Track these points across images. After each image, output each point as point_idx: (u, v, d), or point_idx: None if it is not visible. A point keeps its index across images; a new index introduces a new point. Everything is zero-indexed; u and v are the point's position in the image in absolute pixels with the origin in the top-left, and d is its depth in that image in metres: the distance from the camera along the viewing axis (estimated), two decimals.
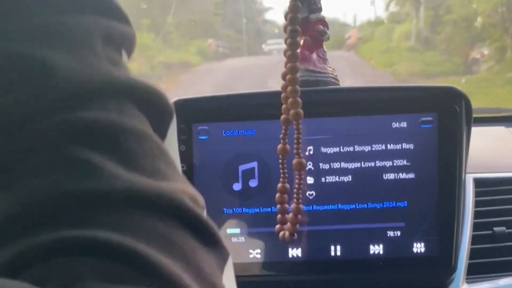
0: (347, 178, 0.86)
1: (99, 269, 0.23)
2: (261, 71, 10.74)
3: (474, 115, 0.87)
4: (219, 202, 0.87)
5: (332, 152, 0.86)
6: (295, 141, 0.60)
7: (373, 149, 0.86)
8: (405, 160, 0.86)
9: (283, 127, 0.61)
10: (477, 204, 0.96)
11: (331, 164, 0.86)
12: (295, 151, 0.60)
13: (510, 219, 0.96)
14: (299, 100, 0.59)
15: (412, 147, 0.86)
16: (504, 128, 1.30)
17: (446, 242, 0.87)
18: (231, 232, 0.88)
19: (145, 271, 0.23)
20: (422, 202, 0.86)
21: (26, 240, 0.23)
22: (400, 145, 0.86)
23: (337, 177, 0.86)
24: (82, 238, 0.23)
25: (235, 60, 16.41)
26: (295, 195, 0.61)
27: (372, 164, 0.86)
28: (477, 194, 0.97)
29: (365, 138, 0.86)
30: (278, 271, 0.89)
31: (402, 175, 0.86)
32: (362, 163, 0.86)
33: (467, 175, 0.96)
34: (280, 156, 0.63)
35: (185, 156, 0.86)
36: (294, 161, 0.60)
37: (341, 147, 0.86)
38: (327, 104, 0.86)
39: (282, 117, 0.61)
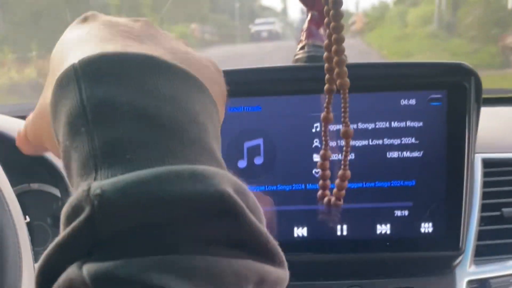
0: (355, 156, 0.85)
1: None
2: (251, 60, 9.81)
3: (483, 96, 0.86)
4: None
5: (338, 129, 0.84)
6: (342, 110, 0.60)
7: (381, 126, 0.84)
8: (413, 138, 0.84)
9: (328, 95, 0.61)
10: (485, 184, 0.94)
11: (338, 141, 0.84)
12: (342, 119, 0.60)
13: None
14: (346, 69, 0.58)
15: (420, 125, 0.84)
16: None
17: (454, 223, 0.85)
18: None
19: None
20: (430, 181, 0.85)
21: None
22: (408, 122, 0.84)
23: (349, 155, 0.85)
24: None
25: (223, 48, 13.98)
26: (342, 162, 0.61)
27: (380, 142, 0.84)
28: (485, 174, 0.95)
29: (373, 115, 0.84)
30: (283, 250, 0.87)
31: (410, 154, 0.85)
32: (370, 140, 0.84)
33: (476, 155, 0.94)
34: (323, 123, 0.63)
35: None
36: (342, 129, 0.60)
37: (350, 125, 0.84)
38: None
39: (326, 86, 0.60)
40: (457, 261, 0.88)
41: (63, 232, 0.27)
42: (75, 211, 0.27)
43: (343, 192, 0.62)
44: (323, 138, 0.63)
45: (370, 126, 0.84)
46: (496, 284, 0.87)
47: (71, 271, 0.26)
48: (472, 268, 0.89)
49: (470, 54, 8.38)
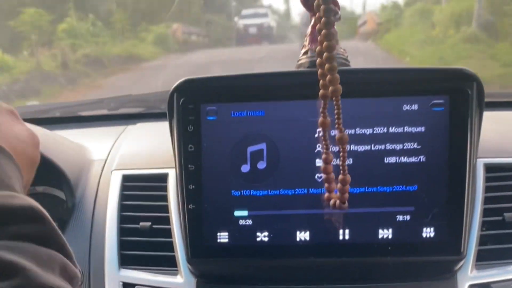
0: (357, 161, 0.85)
1: None
2: (239, 68, 7.56)
3: (485, 100, 0.86)
4: (226, 184, 0.87)
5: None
6: (336, 116, 0.61)
7: (383, 131, 0.85)
8: (415, 143, 0.85)
9: (322, 101, 0.62)
10: (487, 189, 0.95)
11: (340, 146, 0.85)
12: (336, 125, 0.61)
13: None
14: (337, 76, 0.59)
15: (422, 130, 0.84)
16: None
17: (455, 227, 0.86)
18: (239, 215, 0.87)
19: None
20: (432, 186, 0.85)
21: None
22: (410, 128, 0.84)
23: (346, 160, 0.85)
24: None
25: (209, 52, 10.80)
26: (341, 167, 0.62)
27: (382, 147, 0.85)
28: (487, 179, 0.96)
29: (375, 121, 0.85)
30: (285, 254, 0.88)
31: (412, 159, 0.85)
32: (372, 145, 0.85)
33: (478, 160, 0.95)
34: (321, 128, 0.63)
35: (193, 137, 0.85)
36: (337, 136, 0.60)
37: (351, 130, 0.84)
38: None
39: (321, 92, 0.61)
40: (459, 265, 0.88)
41: None
42: None
43: (347, 195, 0.64)
44: (323, 143, 0.64)
45: (372, 131, 0.85)
46: None
47: None
48: (473, 273, 0.89)
49: None
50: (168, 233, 0.94)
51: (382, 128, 0.85)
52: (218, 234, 0.87)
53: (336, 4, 0.83)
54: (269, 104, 0.85)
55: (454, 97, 0.84)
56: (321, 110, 0.63)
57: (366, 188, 0.86)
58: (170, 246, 0.93)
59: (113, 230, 0.96)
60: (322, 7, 0.58)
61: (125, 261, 0.94)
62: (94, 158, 1.14)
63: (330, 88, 0.59)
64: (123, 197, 1.00)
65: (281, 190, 0.86)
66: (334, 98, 0.60)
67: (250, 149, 0.86)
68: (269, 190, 0.86)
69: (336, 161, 0.82)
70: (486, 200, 0.94)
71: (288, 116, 0.85)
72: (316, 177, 0.85)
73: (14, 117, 0.64)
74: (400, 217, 0.86)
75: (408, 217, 0.86)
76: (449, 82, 0.85)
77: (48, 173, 1.05)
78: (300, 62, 0.88)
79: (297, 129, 0.85)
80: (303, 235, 0.87)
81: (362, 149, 0.85)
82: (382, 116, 0.85)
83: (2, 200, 0.47)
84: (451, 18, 9.10)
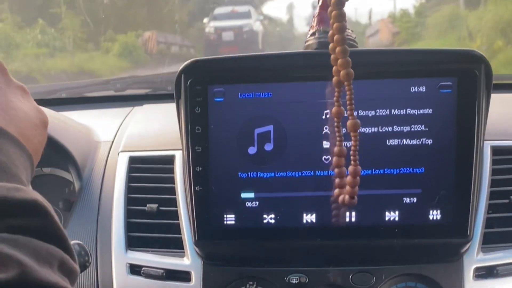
0: (363, 143, 0.85)
1: None
2: None
3: (493, 82, 0.86)
4: (233, 166, 0.86)
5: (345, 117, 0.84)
6: (348, 102, 0.59)
7: (391, 113, 0.84)
8: (423, 126, 0.84)
9: (336, 89, 0.60)
10: (494, 172, 0.94)
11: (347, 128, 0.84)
12: (348, 112, 0.59)
13: None
14: (349, 60, 0.57)
15: (430, 112, 0.84)
16: None
17: (462, 210, 0.86)
18: (245, 197, 0.87)
19: None
20: (439, 169, 0.85)
21: None
22: (418, 110, 0.84)
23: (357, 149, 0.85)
24: None
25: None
26: (352, 157, 0.60)
27: (390, 129, 0.84)
28: (494, 162, 0.95)
29: (383, 103, 0.84)
30: (292, 236, 0.88)
31: (420, 141, 0.85)
32: (379, 127, 0.85)
33: (485, 143, 0.94)
34: (335, 118, 0.61)
35: (200, 119, 0.85)
36: (349, 122, 0.59)
37: (358, 111, 0.84)
38: None
39: (334, 79, 0.59)
40: (465, 248, 0.88)
41: None
42: None
43: (357, 188, 0.61)
44: (337, 134, 0.62)
45: (380, 112, 0.84)
46: (503, 271, 0.88)
47: None
48: (479, 256, 0.89)
49: None
50: (175, 215, 0.94)
51: (389, 110, 0.84)
52: (225, 216, 0.87)
53: None
54: (277, 86, 0.85)
55: (462, 79, 0.83)
56: (335, 98, 0.61)
57: (373, 170, 0.86)
58: (177, 228, 0.94)
59: (120, 212, 0.96)
60: None
61: (132, 243, 0.94)
62: (101, 139, 1.14)
63: (342, 72, 0.58)
64: (130, 179, 1.00)
65: (288, 172, 0.86)
66: (345, 83, 0.58)
67: (257, 131, 0.86)
68: (276, 172, 0.86)
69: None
70: (493, 183, 0.94)
71: (296, 98, 0.84)
72: (323, 159, 0.85)
73: (25, 95, 0.62)
74: (407, 200, 0.86)
75: (414, 200, 0.86)
76: (457, 64, 0.84)
77: (55, 155, 1.05)
78: (307, 43, 0.87)
79: (304, 111, 0.85)
80: (309, 217, 0.87)
81: (369, 131, 0.85)
82: (390, 98, 0.84)
83: (5, 192, 0.47)
84: (495, 27, 6.80)
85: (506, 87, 1.35)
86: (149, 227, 0.95)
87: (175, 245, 0.93)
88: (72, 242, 0.76)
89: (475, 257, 0.89)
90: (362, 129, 0.84)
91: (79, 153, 1.06)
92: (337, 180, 0.62)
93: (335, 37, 0.57)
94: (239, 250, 0.91)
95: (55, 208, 1.12)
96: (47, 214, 0.48)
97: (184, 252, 0.92)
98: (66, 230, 0.98)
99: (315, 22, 0.86)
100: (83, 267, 0.76)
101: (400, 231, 0.87)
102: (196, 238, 0.88)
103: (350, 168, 0.61)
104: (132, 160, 1.02)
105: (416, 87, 0.84)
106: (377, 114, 0.84)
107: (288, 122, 0.85)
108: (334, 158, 0.62)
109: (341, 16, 0.57)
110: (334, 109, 0.61)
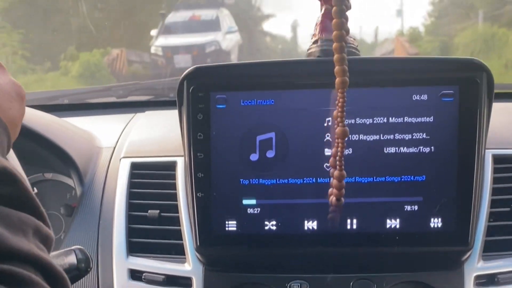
0: (365, 151, 0.85)
1: None
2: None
3: (495, 91, 0.86)
4: (235, 173, 0.87)
5: (350, 124, 0.84)
6: (339, 109, 0.59)
7: (393, 121, 0.85)
8: (424, 134, 0.85)
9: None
10: (495, 180, 0.95)
11: (349, 136, 0.84)
12: (338, 119, 0.60)
13: None
14: (345, 68, 0.58)
15: (432, 120, 0.84)
16: None
17: (463, 218, 0.86)
18: (247, 203, 0.87)
19: None
20: (440, 177, 0.85)
21: None
22: (420, 118, 0.84)
23: (355, 149, 0.85)
24: None
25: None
26: (337, 162, 0.61)
27: (391, 136, 0.85)
28: (495, 170, 0.96)
29: (385, 110, 0.85)
30: (293, 243, 0.88)
31: (421, 149, 0.85)
32: (381, 135, 0.85)
33: (486, 151, 0.94)
34: (338, 139, 0.63)
35: (202, 125, 0.86)
36: (338, 129, 0.59)
37: (360, 119, 0.84)
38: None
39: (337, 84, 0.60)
40: (466, 256, 0.88)
41: None
42: None
43: (343, 191, 0.63)
44: (339, 151, 0.63)
45: (382, 120, 0.85)
46: (504, 279, 0.88)
47: None
48: (480, 264, 0.89)
49: None
50: (177, 221, 0.95)
51: (390, 118, 0.85)
52: (226, 222, 0.88)
53: None
54: (279, 93, 0.85)
55: (464, 88, 0.84)
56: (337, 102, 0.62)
57: (374, 178, 0.86)
58: (178, 234, 0.94)
59: (121, 217, 0.96)
60: None
61: (133, 249, 0.95)
62: (103, 145, 1.14)
63: (337, 80, 0.58)
64: (131, 185, 1.00)
65: (289, 179, 0.86)
66: (339, 90, 0.59)
67: (259, 138, 0.86)
68: (277, 179, 0.87)
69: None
70: (494, 191, 0.94)
71: (298, 105, 0.85)
72: (324, 166, 0.86)
73: (1, 70, 0.60)
74: (408, 207, 0.86)
75: (416, 207, 0.86)
76: (459, 72, 0.85)
77: (57, 160, 1.05)
78: (310, 51, 0.88)
79: (306, 119, 0.85)
80: (311, 224, 0.87)
81: (371, 139, 0.85)
82: (391, 106, 0.85)
83: None
84: None
85: (508, 96, 1.35)
86: (150, 233, 0.95)
87: (176, 251, 0.93)
88: (73, 247, 0.77)
89: (476, 265, 0.89)
90: (363, 137, 0.85)
91: (81, 159, 1.07)
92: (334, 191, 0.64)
93: (334, 45, 0.58)
94: (240, 256, 0.91)
95: (56, 213, 1.12)
96: (16, 181, 0.46)
97: (185, 258, 0.92)
98: (67, 235, 0.99)
99: (318, 30, 0.87)
100: (85, 272, 0.76)
101: (401, 239, 0.87)
102: (198, 244, 0.88)
103: (336, 172, 0.63)
104: (134, 166, 1.02)
105: (418, 95, 0.84)
106: (379, 122, 0.85)
107: (290, 129, 0.85)
108: (335, 172, 0.63)
109: (341, 25, 0.57)
110: (339, 130, 0.62)
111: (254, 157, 0.86)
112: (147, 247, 0.94)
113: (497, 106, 0.92)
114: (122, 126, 1.21)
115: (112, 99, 1.53)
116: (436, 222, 0.86)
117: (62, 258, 0.75)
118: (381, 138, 0.85)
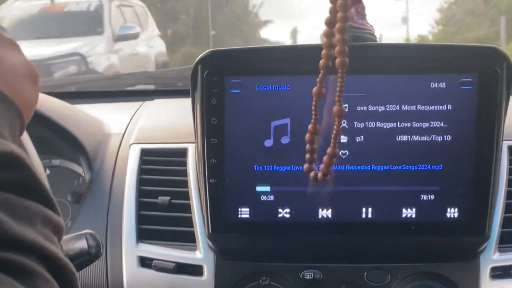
0: (382, 138, 0.84)
1: None
2: None
3: None
4: (249, 159, 0.85)
5: (367, 110, 0.83)
6: (338, 89, 0.58)
7: (410, 109, 0.83)
8: (442, 122, 0.83)
9: (322, 72, 0.60)
10: (511, 172, 0.93)
11: (366, 123, 0.83)
12: (336, 98, 0.59)
13: None
14: (346, 48, 0.57)
15: (450, 109, 0.83)
16: None
17: (480, 208, 0.84)
18: (260, 190, 0.86)
19: None
20: (457, 166, 0.84)
21: None
22: (438, 106, 0.83)
23: (371, 137, 0.84)
24: None
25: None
26: (332, 140, 0.60)
27: (408, 124, 0.83)
28: (511, 161, 0.94)
29: (402, 98, 0.83)
30: (307, 231, 0.87)
31: (438, 137, 0.84)
32: (398, 123, 0.83)
33: (502, 142, 0.93)
34: (314, 98, 0.62)
35: (216, 110, 0.84)
36: (335, 108, 0.59)
37: (377, 106, 0.83)
38: (364, 61, 0.82)
39: (322, 62, 0.59)
40: (482, 247, 0.87)
41: None
42: None
43: (331, 168, 0.62)
44: (313, 113, 0.63)
45: (399, 108, 0.83)
46: None
47: None
48: (496, 255, 0.88)
49: None
50: (187, 208, 0.93)
51: (408, 105, 0.83)
52: (239, 209, 0.86)
53: None
54: (295, 78, 0.84)
55: (483, 76, 0.82)
56: (318, 79, 0.61)
57: (391, 166, 0.84)
58: (189, 221, 0.92)
59: (131, 204, 0.95)
60: None
61: (143, 236, 0.93)
62: (112, 131, 1.13)
63: (337, 60, 0.57)
64: (141, 171, 0.99)
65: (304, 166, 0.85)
66: (339, 70, 0.58)
67: (274, 123, 0.84)
68: (292, 166, 0.85)
69: (360, 139, 0.82)
70: (510, 183, 0.92)
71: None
72: (340, 153, 0.84)
73: (14, 47, 0.56)
74: (424, 197, 0.85)
75: (432, 197, 0.85)
76: (479, 60, 0.83)
77: (66, 145, 1.04)
78: None
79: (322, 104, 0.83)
80: (325, 212, 0.86)
81: (387, 126, 0.83)
82: (409, 93, 0.83)
83: None
84: None
85: None
86: (161, 220, 0.94)
87: (186, 239, 0.92)
88: (84, 231, 0.76)
89: (492, 257, 0.88)
90: (380, 124, 0.83)
91: (90, 144, 1.06)
92: (307, 155, 0.63)
93: (337, 26, 0.57)
94: (253, 244, 0.90)
95: (63, 200, 1.11)
96: (24, 166, 0.44)
97: (196, 246, 0.91)
98: (75, 221, 0.98)
99: None
100: (95, 257, 0.75)
101: (417, 228, 0.85)
102: (210, 231, 0.87)
103: (329, 149, 0.62)
104: (144, 153, 1.01)
105: (436, 83, 0.83)
106: (396, 109, 0.83)
107: (306, 115, 0.83)
108: (307, 135, 0.63)
109: (346, 6, 0.56)
110: (315, 89, 0.62)
111: (268, 143, 0.85)
112: (157, 234, 0.93)
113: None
114: (130, 114, 1.20)
115: (120, 88, 1.52)
116: (452, 212, 0.85)
117: (73, 243, 0.74)
118: (398, 126, 0.83)
